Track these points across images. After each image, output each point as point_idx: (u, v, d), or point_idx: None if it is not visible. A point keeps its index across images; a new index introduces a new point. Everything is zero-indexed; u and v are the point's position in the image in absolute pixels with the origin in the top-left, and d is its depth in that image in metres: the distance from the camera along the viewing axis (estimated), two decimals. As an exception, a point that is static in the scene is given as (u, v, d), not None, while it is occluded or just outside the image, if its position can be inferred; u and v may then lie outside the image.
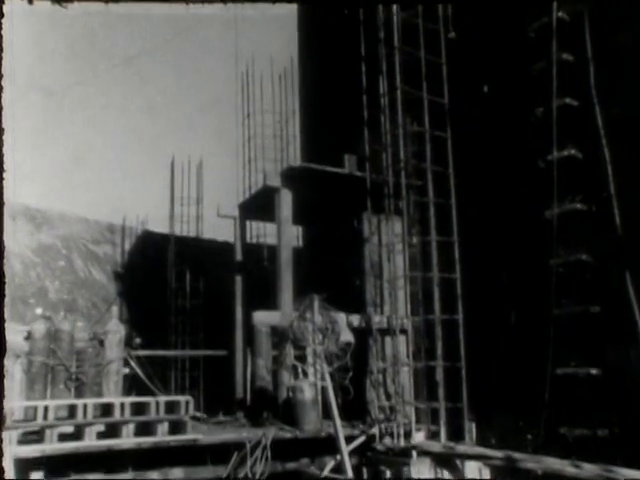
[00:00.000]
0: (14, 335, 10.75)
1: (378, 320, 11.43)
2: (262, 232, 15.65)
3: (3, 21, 6.22)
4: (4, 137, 6.22)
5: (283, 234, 11.65)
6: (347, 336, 10.96)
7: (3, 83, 6.17)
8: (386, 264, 11.50)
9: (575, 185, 9.21)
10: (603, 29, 8.98)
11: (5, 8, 6.22)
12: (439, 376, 10.49)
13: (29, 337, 11.42)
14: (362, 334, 11.25)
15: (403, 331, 10.92)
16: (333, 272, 13.05)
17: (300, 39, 16.03)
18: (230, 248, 15.07)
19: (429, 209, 10.82)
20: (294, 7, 16.19)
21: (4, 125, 6.21)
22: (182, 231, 17.09)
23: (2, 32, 6.21)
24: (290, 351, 11.01)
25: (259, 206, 13.29)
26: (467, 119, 10.85)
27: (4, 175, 6.27)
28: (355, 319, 11.32)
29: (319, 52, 15.12)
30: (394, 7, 10.59)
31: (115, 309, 16.14)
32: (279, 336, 11.28)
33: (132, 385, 12.61)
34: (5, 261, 6.16)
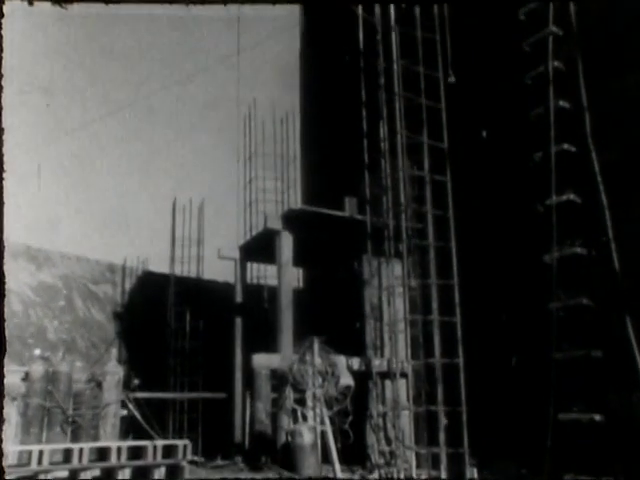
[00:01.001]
0: (11, 376, 10.68)
1: (378, 363, 11.36)
2: (263, 273, 15.68)
3: (3, 21, 6.26)
4: (4, 137, 6.25)
5: (283, 276, 11.67)
6: (347, 379, 10.88)
7: (3, 83, 6.20)
8: (386, 307, 11.49)
9: (574, 229, 9.27)
10: (597, 78, 9.18)
11: (5, 8, 6.27)
12: (440, 421, 10.37)
13: (26, 378, 11.33)
14: (362, 377, 11.16)
15: (403, 375, 10.83)
16: (333, 314, 13.01)
17: (302, 84, 16.35)
18: (230, 289, 15.06)
19: (429, 252, 10.84)
20: (297, 51, 16.57)
21: (4, 125, 6.24)
22: (183, 271, 17.10)
23: (2, 32, 6.24)
24: (290, 394, 10.91)
25: (260, 248, 13.34)
26: (467, 163, 10.98)
27: (4, 175, 6.29)
28: (355, 362, 11.25)
29: (320, 96, 15.40)
30: (394, 54, 10.81)
31: (114, 350, 16.04)
32: (279, 379, 11.19)
33: (129, 427, 12.47)
34: (4, 260, 6.15)
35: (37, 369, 11.16)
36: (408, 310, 10.82)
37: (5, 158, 6.24)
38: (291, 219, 11.84)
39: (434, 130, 10.92)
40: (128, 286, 18.83)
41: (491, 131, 10.81)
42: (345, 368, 10.99)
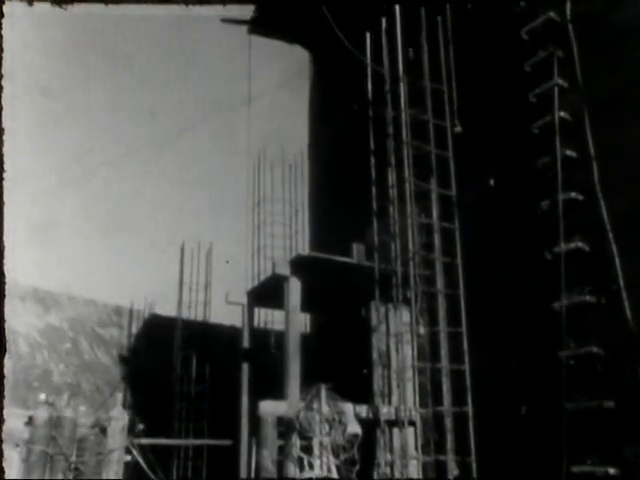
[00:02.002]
0: (14, 420, 10.59)
1: (386, 411, 11.21)
2: (270, 318, 15.64)
3: (3, 21, 6.32)
4: (4, 137, 6.28)
5: (291, 323, 11.62)
6: (354, 427, 10.73)
7: (3, 83, 6.24)
8: (394, 354, 11.40)
9: (583, 277, 9.24)
10: (604, 127, 9.29)
11: (5, 8, 6.33)
12: (450, 470, 10.18)
13: (30, 423, 11.24)
14: (369, 425, 11.00)
15: (411, 423, 10.67)
16: (341, 360, 12.91)
17: (310, 131, 16.60)
18: (237, 332, 14.99)
19: (437, 299, 10.82)
20: (306, 99, 16.88)
21: (4, 125, 6.27)
22: (190, 315, 17.08)
23: (2, 32, 6.29)
24: (296, 442, 10.75)
25: (268, 293, 13.33)
26: (475, 211, 11.04)
27: (4, 175, 6.31)
28: (363, 410, 11.10)
29: (328, 144, 15.61)
30: (402, 104, 10.99)
31: (119, 394, 15.93)
32: (285, 426, 11.04)
33: (133, 474, 12.29)
34: (4, 261, 6.11)
35: (41, 415, 11.08)
36: (416, 357, 10.75)
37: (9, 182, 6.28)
38: (299, 265, 11.85)
39: (442, 178, 11.04)
40: (135, 329, 18.80)
41: (499, 179, 10.89)
42: (352, 416, 10.85)
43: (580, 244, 9.34)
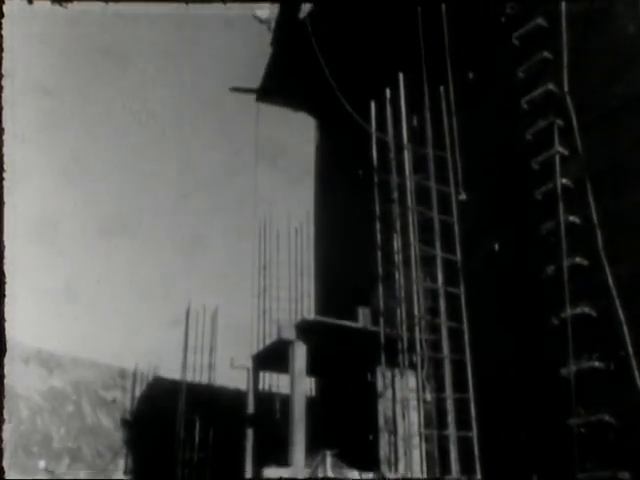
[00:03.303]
0: (14, 487, 10.37)
1: (392, 479, 10.97)
2: (275, 382, 15.46)
3: (3, 21, 6.36)
4: (4, 137, 6.29)
5: (297, 387, 11.51)
6: (360, 496, 10.51)
7: (3, 83, 6.26)
8: (400, 420, 11.24)
9: (591, 342, 9.19)
10: (605, 195, 9.43)
11: (5, 8, 6.37)
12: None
13: (29, 491, 11.00)
14: (376, 494, 10.77)
15: (419, 492, 10.44)
16: (346, 426, 12.72)
17: (316, 196, 16.86)
18: (241, 395, 14.80)
19: (444, 365, 10.75)
20: (311, 164, 17.21)
21: (4, 125, 6.28)
22: (194, 378, 16.91)
23: (2, 32, 6.32)
24: (301, 510, 10.52)
25: (273, 357, 13.25)
26: (480, 275, 11.08)
27: (4, 175, 6.30)
28: (369, 477, 10.88)
29: (334, 208, 15.83)
30: (406, 171, 11.23)
31: (121, 461, 15.64)
32: (290, 494, 10.81)
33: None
34: (4, 261, 6.04)
35: (41, 483, 10.85)
36: (423, 424, 10.59)
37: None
38: (305, 329, 11.84)
39: (447, 243, 11.14)
40: (138, 392, 18.60)
41: (503, 244, 10.98)
42: (358, 484, 10.64)
43: (587, 309, 9.33)
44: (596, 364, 9.06)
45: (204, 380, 16.83)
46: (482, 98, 11.91)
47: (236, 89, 17.16)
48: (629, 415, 8.62)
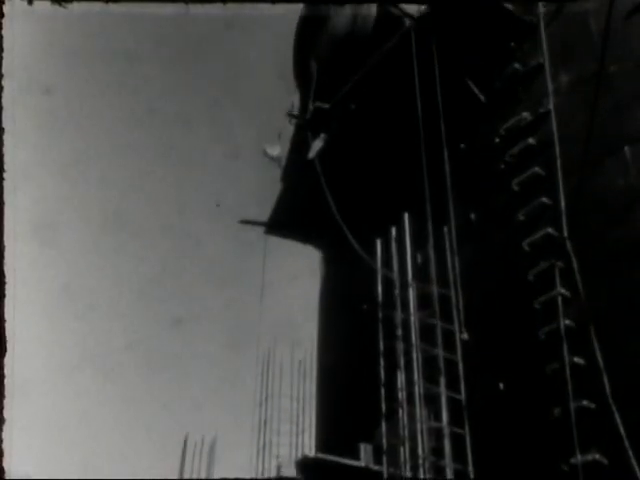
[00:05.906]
0: None
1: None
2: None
3: (3, 21, 6.35)
4: (4, 136, 6.17)
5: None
6: None
7: (3, 83, 6.19)
8: None
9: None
10: (609, 336, 9.48)
11: (5, 8, 6.38)
12: None
13: None
14: None
15: None
16: None
17: (319, 328, 16.89)
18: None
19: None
20: (316, 297, 17.34)
21: (4, 125, 6.16)
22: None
23: (2, 32, 6.30)
24: None
25: (271, 497, 12.71)
26: (485, 415, 10.86)
27: (4, 175, 6.13)
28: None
29: (337, 342, 15.81)
30: (411, 308, 11.37)
31: None
32: None
33: None
34: (5, 261, 5.79)
35: None
36: None
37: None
38: (305, 466, 11.49)
39: (452, 381, 11.03)
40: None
41: (508, 384, 10.85)
42: None
43: (597, 456, 9.07)
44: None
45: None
46: (483, 238, 12.28)
47: (246, 222, 17.75)
48: None
